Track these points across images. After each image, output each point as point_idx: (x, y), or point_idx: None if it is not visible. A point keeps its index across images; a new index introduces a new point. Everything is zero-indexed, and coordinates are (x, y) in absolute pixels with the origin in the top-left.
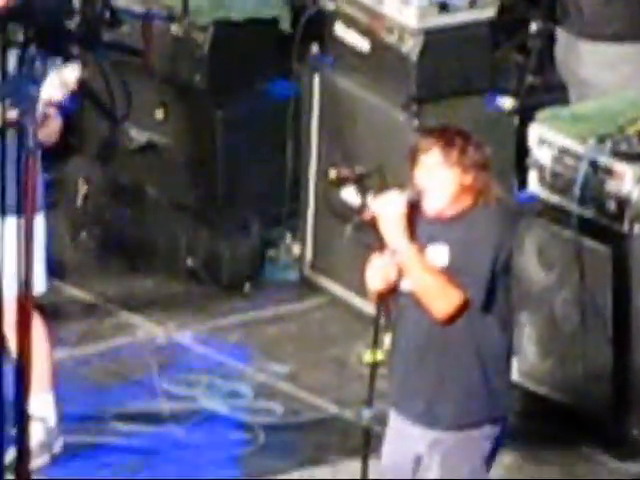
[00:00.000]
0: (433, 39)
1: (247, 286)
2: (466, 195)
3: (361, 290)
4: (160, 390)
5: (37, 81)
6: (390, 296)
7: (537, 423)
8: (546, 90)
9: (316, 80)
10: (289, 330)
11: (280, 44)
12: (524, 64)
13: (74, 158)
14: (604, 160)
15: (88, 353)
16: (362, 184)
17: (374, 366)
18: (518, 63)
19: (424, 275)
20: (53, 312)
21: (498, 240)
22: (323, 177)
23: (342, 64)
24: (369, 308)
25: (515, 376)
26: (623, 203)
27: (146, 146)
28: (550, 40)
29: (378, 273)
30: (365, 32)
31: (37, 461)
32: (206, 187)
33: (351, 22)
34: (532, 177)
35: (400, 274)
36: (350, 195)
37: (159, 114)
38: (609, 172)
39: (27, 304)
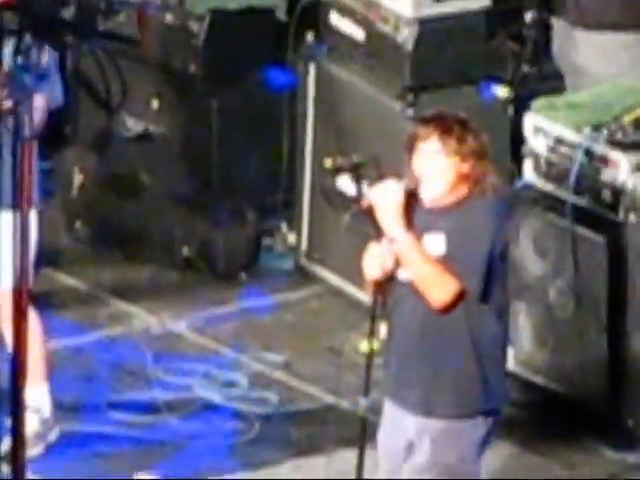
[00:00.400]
0: (428, 28)
1: (242, 275)
2: (463, 183)
3: (356, 279)
4: (155, 379)
5: (32, 70)
6: (387, 285)
7: (533, 412)
8: (541, 79)
9: (311, 69)
10: (284, 319)
11: (276, 33)
12: (519, 53)
13: (69, 147)
14: (599, 149)
15: (83, 342)
16: (358, 173)
17: (370, 355)
18: (513, 52)
19: (421, 264)
20: (48, 301)
21: (495, 229)
22: (319, 166)
23: (337, 53)
24: (364, 297)
25: (511, 365)
26: (618, 192)
27: (141, 135)
28: (545, 29)
29: (375, 262)
30: (360, 21)
31: (32, 451)
32: (201, 176)
33: (346, 11)
34: (527, 166)
35: (397, 263)
36: (346, 184)
37: (154, 103)
38: (604, 161)
39: (23, 297)
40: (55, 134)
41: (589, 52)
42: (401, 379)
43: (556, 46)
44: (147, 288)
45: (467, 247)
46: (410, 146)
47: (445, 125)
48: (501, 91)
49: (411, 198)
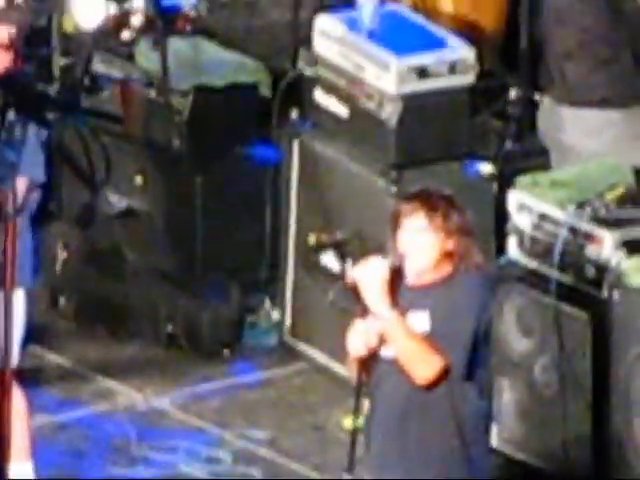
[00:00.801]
0: (412, 105)
1: (227, 352)
2: (448, 260)
3: (340, 356)
4: (139, 456)
5: (16, 147)
6: (370, 362)
7: None
8: (525, 156)
9: (295, 145)
10: (268, 396)
11: (260, 109)
12: (503, 130)
13: (53, 223)
14: (583, 226)
15: (67, 418)
16: (341, 250)
17: (354, 432)
18: (497, 129)
19: (406, 341)
20: (32, 377)
21: (479, 307)
22: (302, 243)
23: (321, 130)
24: (348, 374)
25: (494, 442)
26: (602, 269)
27: (125, 212)
28: (529, 106)
29: (360, 338)
30: (344, 98)
31: None
32: (185, 252)
33: (330, 88)
34: (511, 243)
35: (381, 340)
36: (330, 260)
37: (138, 180)
38: (588, 238)
39: (6, 376)
40: (39, 210)
41: (575, 129)
42: (383, 458)
43: (542, 123)
44: (131, 365)
45: (451, 324)
46: (395, 222)
47: (431, 201)
48: (485, 168)
49: (396, 275)
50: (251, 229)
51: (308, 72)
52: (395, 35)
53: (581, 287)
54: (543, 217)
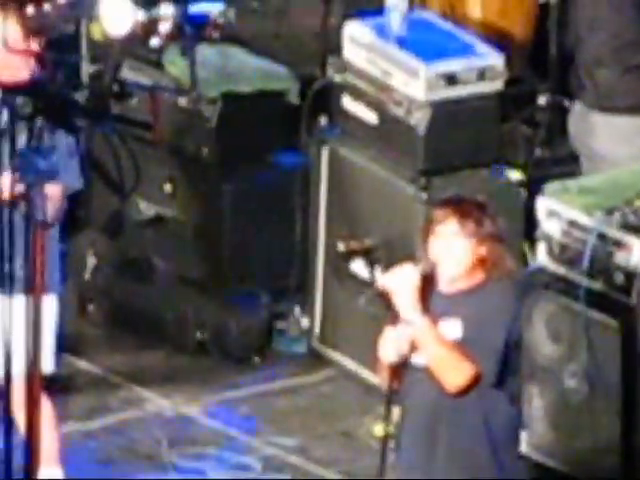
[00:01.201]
0: (441, 111)
1: (256, 359)
2: (480, 267)
3: (370, 363)
4: (169, 463)
5: (45, 154)
6: (401, 369)
7: None
8: (554, 162)
9: (324, 152)
10: (298, 403)
11: (288, 116)
12: (532, 136)
13: (82, 231)
14: (612, 232)
15: (97, 427)
16: (370, 257)
17: (385, 439)
18: (526, 135)
19: (438, 348)
20: (61, 385)
21: (512, 315)
22: (331, 250)
23: (350, 136)
24: (378, 381)
25: (524, 448)
26: (631, 275)
27: (154, 219)
28: (559, 113)
29: (391, 345)
30: (373, 104)
31: None
32: (214, 259)
33: (359, 94)
34: (540, 249)
35: (412, 347)
36: (359, 268)
37: (167, 187)
38: (617, 244)
39: (35, 382)
40: (68, 218)
41: (606, 135)
42: (413, 465)
43: (572, 129)
44: (160, 372)
45: (484, 332)
46: (427, 229)
47: (463, 208)
48: (514, 174)
49: (427, 282)
50: (280, 236)
51: (337, 79)
52: (424, 42)
53: (610, 294)
54: (572, 223)
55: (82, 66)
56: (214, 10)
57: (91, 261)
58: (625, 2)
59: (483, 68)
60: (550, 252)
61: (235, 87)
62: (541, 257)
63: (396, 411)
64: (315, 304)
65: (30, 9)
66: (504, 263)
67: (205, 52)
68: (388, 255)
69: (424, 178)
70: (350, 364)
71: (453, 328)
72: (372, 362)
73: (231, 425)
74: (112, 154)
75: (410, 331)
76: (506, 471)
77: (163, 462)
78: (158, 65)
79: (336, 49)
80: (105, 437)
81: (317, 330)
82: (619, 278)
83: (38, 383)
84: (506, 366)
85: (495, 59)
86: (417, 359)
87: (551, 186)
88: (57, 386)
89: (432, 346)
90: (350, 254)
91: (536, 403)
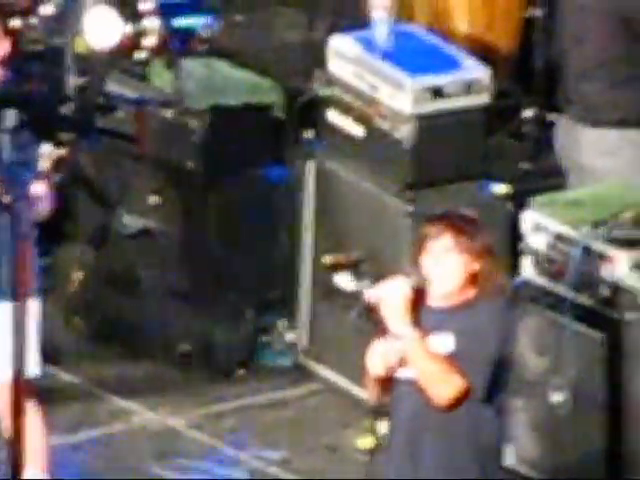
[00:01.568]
0: (427, 125)
1: (241, 372)
2: (473, 282)
3: (355, 377)
4: (155, 476)
5: (30, 166)
6: (389, 383)
7: None
8: (541, 176)
9: (310, 166)
10: (283, 416)
11: (274, 130)
12: (518, 150)
13: (68, 244)
14: (598, 246)
15: (82, 440)
16: (357, 270)
17: (372, 452)
18: (512, 149)
19: (427, 362)
20: (47, 398)
21: (503, 331)
22: (317, 263)
23: (336, 150)
24: (363, 395)
25: (509, 461)
26: (617, 289)
27: (140, 232)
28: (544, 126)
29: (379, 358)
30: (359, 118)
31: None
32: (200, 272)
33: (345, 108)
34: (526, 263)
35: (401, 360)
36: (345, 281)
37: (153, 200)
38: (603, 258)
39: (20, 387)
40: (54, 231)
41: (593, 149)
42: (401, 478)
43: (559, 143)
44: (146, 384)
45: (475, 347)
46: (420, 245)
47: (457, 224)
48: (500, 188)
49: (417, 296)
50: (265, 249)
51: (322, 92)
52: (410, 55)
53: (596, 307)
54: (558, 237)
55: (68, 79)
56: (199, 23)
57: (77, 274)
58: (611, 16)
59: (469, 82)
60: (536, 265)
61: (221, 100)
62: (527, 271)
63: (382, 424)
64: (300, 317)
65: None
66: (495, 278)
67: (191, 65)
68: (374, 268)
69: (410, 191)
70: (335, 378)
71: (443, 342)
72: (358, 376)
73: (217, 438)
74: (97, 167)
75: (399, 344)
76: None
77: (149, 475)
78: (144, 78)
79: (322, 62)
80: (91, 450)
81: (302, 343)
82: (605, 291)
83: (23, 388)
84: (495, 381)
85: (481, 73)
86: (405, 373)
87: (537, 199)
88: (43, 399)
89: (422, 360)
90: (336, 267)
91: (521, 416)
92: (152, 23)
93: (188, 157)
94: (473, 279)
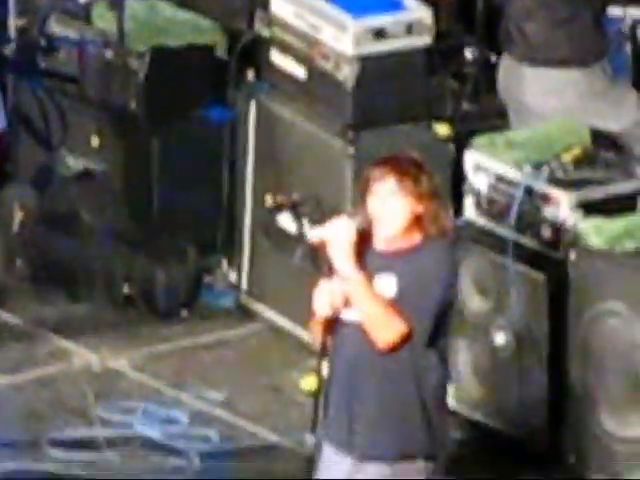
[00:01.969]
0: (369, 66)
1: (183, 312)
2: (417, 226)
3: (298, 317)
4: (95, 417)
5: None
6: (333, 323)
7: (473, 450)
8: (482, 117)
9: (252, 107)
10: (225, 357)
11: (216, 70)
12: (460, 91)
13: (10, 184)
14: (540, 187)
15: (23, 380)
16: (298, 210)
17: (316, 393)
18: (454, 90)
19: (371, 303)
20: None
21: (448, 275)
22: (259, 203)
23: (278, 91)
24: (305, 335)
25: (451, 402)
26: (559, 230)
27: (82, 173)
28: (486, 67)
29: (325, 299)
30: (301, 59)
31: None
32: (142, 213)
33: (287, 49)
34: (468, 204)
35: (346, 301)
36: (286, 221)
37: (95, 141)
38: (545, 199)
39: None
40: None
41: (536, 89)
42: (343, 421)
43: (501, 83)
44: (88, 325)
45: (420, 291)
46: (364, 187)
47: (401, 166)
48: (442, 129)
49: (362, 239)
50: (208, 190)
51: (264, 33)
52: None
53: (538, 248)
54: (500, 178)
55: (10, 20)
56: None
57: (18, 215)
58: None
59: (411, 22)
60: (478, 206)
61: (163, 41)
62: (469, 211)
63: (325, 365)
64: (243, 258)
65: None
66: (441, 221)
67: (133, 6)
68: (316, 209)
69: (352, 132)
70: (277, 318)
71: (388, 285)
72: (300, 316)
73: (158, 379)
74: (39, 108)
75: (344, 285)
76: (435, 428)
77: (90, 415)
78: (86, 19)
79: (264, 3)
80: (32, 390)
81: (245, 284)
82: (547, 232)
83: None
84: (439, 326)
85: (423, 13)
86: (349, 314)
87: (478, 140)
88: None
89: (365, 301)
90: (278, 208)
91: (464, 358)
92: None
93: (130, 98)
94: (418, 222)
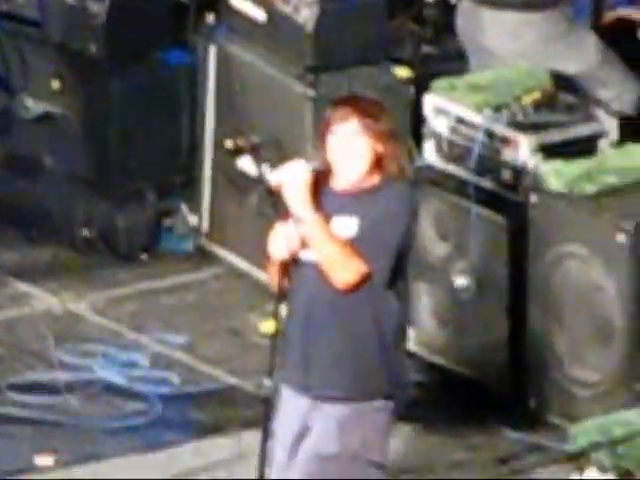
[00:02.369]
0: (329, 9)
1: (143, 256)
2: (377, 166)
3: (257, 260)
4: (56, 360)
5: None
6: (291, 266)
7: (435, 393)
8: (442, 60)
9: (212, 50)
10: (186, 300)
11: (176, 13)
12: (420, 34)
13: None
14: (500, 130)
15: None
16: (258, 154)
17: (274, 337)
18: (414, 33)
19: (328, 244)
20: None
21: (408, 216)
22: (219, 147)
23: (238, 34)
24: (265, 278)
25: (412, 346)
26: (519, 173)
27: (43, 116)
28: (446, 9)
29: (282, 241)
30: (261, 2)
31: None
32: (102, 157)
33: None
34: (428, 147)
35: (303, 243)
36: (246, 165)
37: (55, 84)
38: (505, 142)
39: None
40: None
41: (495, 31)
42: (302, 362)
43: (461, 25)
44: (47, 269)
45: (379, 232)
46: (325, 128)
47: (362, 106)
48: (401, 71)
49: (319, 179)
50: (168, 133)
51: None
52: None
53: (498, 191)
54: (460, 121)
55: None
56: None
57: None
58: None
59: None
60: (438, 149)
61: None
62: (429, 154)
63: (285, 308)
64: (202, 202)
65: None
66: (400, 162)
67: None
68: (276, 152)
69: (312, 75)
70: (238, 262)
71: (347, 226)
72: (260, 260)
73: (119, 322)
74: None
75: (301, 227)
76: (394, 369)
77: (50, 359)
78: None
79: None
80: None
81: (205, 228)
82: (507, 175)
83: None
84: (398, 267)
85: None
86: (307, 255)
87: (438, 83)
88: None
89: (323, 242)
90: (237, 151)
91: (424, 301)
92: None
93: (90, 41)
94: (378, 163)
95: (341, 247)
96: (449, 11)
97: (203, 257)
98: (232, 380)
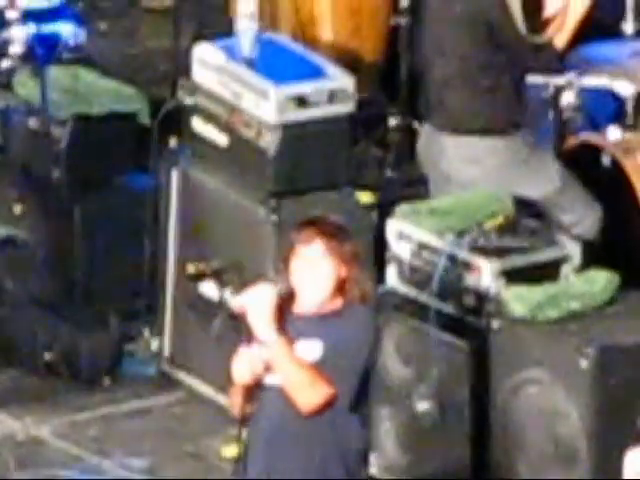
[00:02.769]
0: (291, 134)
1: (106, 380)
2: (340, 289)
3: (220, 385)
4: None
5: None
6: (254, 390)
7: None
8: (405, 184)
9: (174, 174)
10: (148, 424)
11: (139, 138)
12: (383, 158)
13: None
14: (462, 255)
15: None
16: (220, 279)
17: (237, 461)
18: (377, 157)
19: (292, 368)
20: None
21: (370, 341)
22: (181, 272)
23: (201, 159)
24: (228, 403)
25: (374, 471)
26: (481, 298)
27: (5, 240)
28: (409, 135)
29: (245, 366)
30: (223, 127)
31: None
32: (65, 281)
33: (209, 117)
34: (391, 271)
35: (266, 368)
36: (208, 290)
37: (17, 209)
38: (467, 267)
39: None
40: None
41: (455, 157)
42: None
43: (422, 151)
44: (10, 393)
45: (342, 355)
46: (287, 251)
47: (327, 228)
48: (364, 196)
49: (284, 303)
50: (130, 258)
51: (187, 101)
52: (274, 64)
53: (460, 316)
54: (422, 246)
55: None
56: (65, 31)
57: None
58: (472, 25)
59: (333, 90)
60: (400, 274)
61: (86, 108)
62: (391, 279)
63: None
64: (165, 326)
65: None
66: (363, 286)
67: (56, 73)
68: (238, 277)
69: (274, 200)
70: (200, 386)
71: (311, 350)
72: (222, 384)
73: (81, 447)
74: None
75: (264, 351)
76: None
77: None
78: (8, 87)
79: (186, 70)
80: None
81: (167, 352)
82: (469, 300)
83: None
84: (361, 391)
85: (345, 81)
86: (271, 379)
87: (401, 208)
88: None
89: (287, 366)
90: (199, 276)
91: (386, 425)
92: (17, 31)
93: (53, 166)
94: (341, 286)
95: (306, 370)
96: (412, 136)
97: (165, 382)
98: None
